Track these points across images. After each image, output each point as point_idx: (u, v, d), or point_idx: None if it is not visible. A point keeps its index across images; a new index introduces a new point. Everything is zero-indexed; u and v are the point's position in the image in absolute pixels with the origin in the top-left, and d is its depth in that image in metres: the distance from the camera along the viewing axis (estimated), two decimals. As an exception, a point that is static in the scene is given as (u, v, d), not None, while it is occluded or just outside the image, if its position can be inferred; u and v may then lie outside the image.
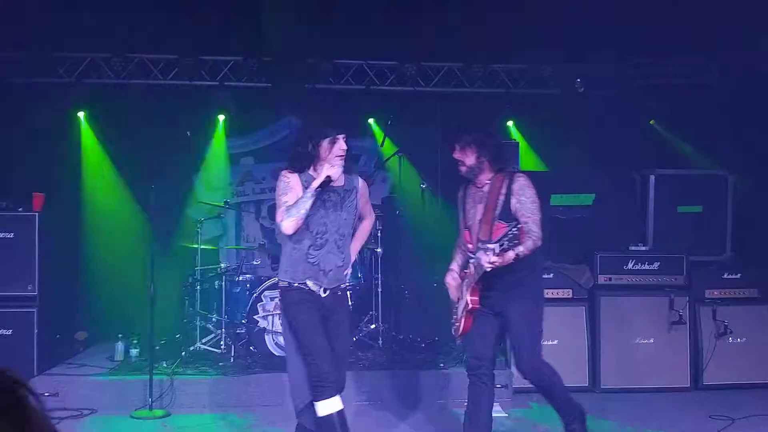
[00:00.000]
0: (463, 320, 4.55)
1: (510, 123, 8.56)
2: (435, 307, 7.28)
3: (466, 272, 4.62)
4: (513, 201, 4.42)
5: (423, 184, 7.45)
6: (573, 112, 8.00)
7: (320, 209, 4.31)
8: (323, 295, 4.36)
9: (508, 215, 4.40)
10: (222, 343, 6.97)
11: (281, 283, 4.42)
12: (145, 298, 6.12)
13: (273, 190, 8.35)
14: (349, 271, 4.56)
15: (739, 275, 7.10)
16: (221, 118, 8.49)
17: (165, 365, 6.63)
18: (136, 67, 7.80)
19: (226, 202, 7.63)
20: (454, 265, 4.81)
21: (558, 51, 7.59)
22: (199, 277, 7.25)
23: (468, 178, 4.59)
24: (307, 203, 4.21)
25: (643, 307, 6.88)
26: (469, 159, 4.50)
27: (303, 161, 4.36)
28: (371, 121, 8.74)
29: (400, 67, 8.08)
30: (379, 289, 7.22)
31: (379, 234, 7.27)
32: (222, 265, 7.55)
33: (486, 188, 4.53)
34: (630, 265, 6.93)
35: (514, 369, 5.49)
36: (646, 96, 8.16)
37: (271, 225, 8.49)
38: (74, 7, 6.53)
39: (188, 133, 7.29)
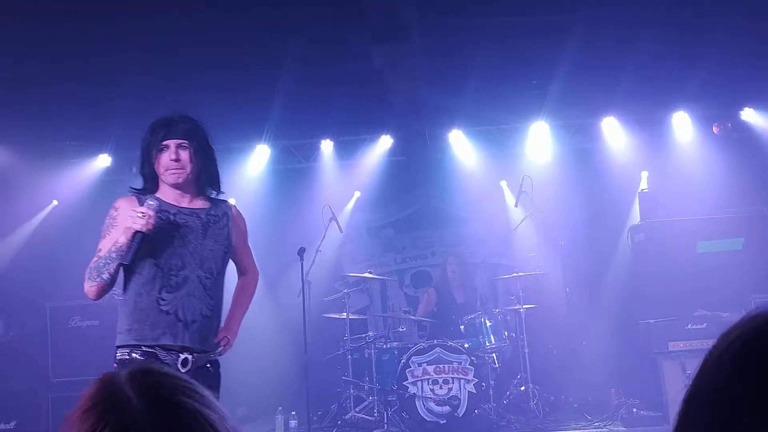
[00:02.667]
0: None
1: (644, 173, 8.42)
2: (585, 366, 7.19)
3: None
4: None
5: (561, 241, 7.40)
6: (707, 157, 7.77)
7: (173, 237, 3.20)
8: (182, 369, 3.13)
9: None
10: (375, 410, 7.06)
11: (118, 354, 3.17)
12: (298, 370, 6.26)
13: (414, 258, 8.86)
14: (226, 340, 3.39)
15: None
16: (357, 193, 8.77)
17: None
18: (280, 152, 8.25)
19: (370, 272, 7.80)
20: None
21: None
22: (349, 347, 7.34)
23: None
24: (112, 265, 3.09)
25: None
26: None
27: (145, 182, 3.34)
28: (503, 183, 8.79)
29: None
30: (526, 350, 7.10)
31: (521, 294, 7.22)
32: (370, 333, 7.65)
33: None
34: (789, 309, 6.48)
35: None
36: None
37: (414, 293, 8.52)
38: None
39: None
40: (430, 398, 6.58)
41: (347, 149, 8.49)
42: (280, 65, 6.50)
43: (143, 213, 3.08)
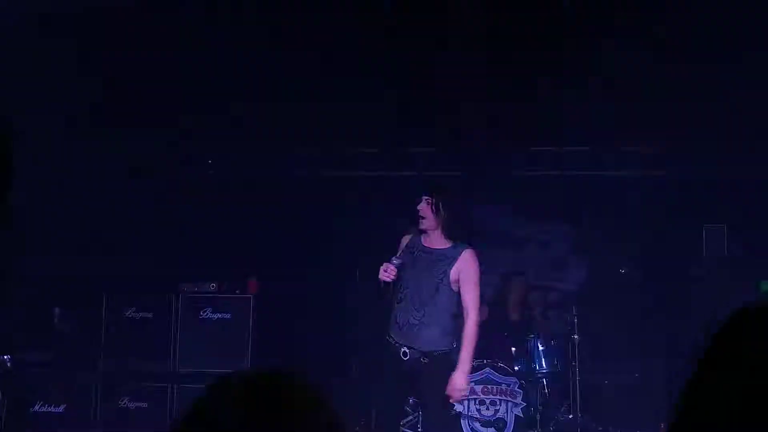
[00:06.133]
0: None
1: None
2: (636, 400, 7.07)
3: None
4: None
5: (623, 269, 7.24)
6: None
7: (408, 266, 4.51)
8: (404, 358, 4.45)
9: None
10: (419, 426, 6.95)
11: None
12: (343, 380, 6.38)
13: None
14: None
15: None
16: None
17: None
18: (339, 159, 8.24)
19: None
20: None
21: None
22: None
23: None
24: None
25: None
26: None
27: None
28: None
29: (593, 152, 8.03)
30: (577, 378, 6.96)
31: (575, 321, 7.10)
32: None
33: None
34: None
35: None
36: None
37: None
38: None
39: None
40: (476, 418, 6.49)
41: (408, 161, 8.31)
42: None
43: (385, 267, 4.53)
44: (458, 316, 4.61)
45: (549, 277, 8.38)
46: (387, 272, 4.41)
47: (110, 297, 7.33)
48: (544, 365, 6.92)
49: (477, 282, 4.54)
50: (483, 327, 7.06)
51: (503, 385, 6.59)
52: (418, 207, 4.52)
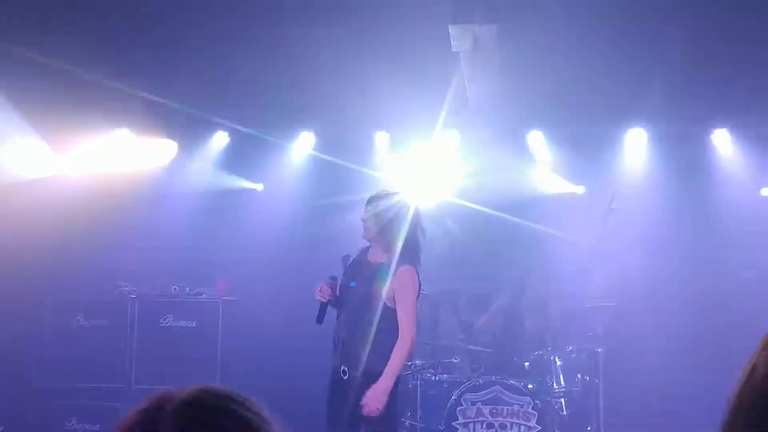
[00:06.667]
0: None
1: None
2: (670, 421, 6.76)
3: None
4: None
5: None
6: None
7: (350, 280, 4.51)
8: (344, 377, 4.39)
9: None
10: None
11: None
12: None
13: (475, 277, 7.78)
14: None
15: None
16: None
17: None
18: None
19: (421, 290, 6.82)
20: None
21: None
22: None
23: None
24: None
25: None
26: None
27: None
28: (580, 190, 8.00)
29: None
30: (601, 397, 6.55)
31: (599, 330, 6.67)
32: (417, 362, 6.82)
33: None
34: None
35: None
36: None
37: (470, 319, 7.70)
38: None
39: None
40: (484, 443, 6.17)
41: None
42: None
43: (320, 287, 4.48)
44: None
45: (572, 280, 7.60)
46: (321, 292, 4.41)
47: (54, 302, 6.74)
48: (562, 382, 6.52)
49: (412, 301, 4.46)
50: (491, 338, 7.06)
51: (515, 405, 6.24)
52: (361, 216, 4.55)
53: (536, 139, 7.76)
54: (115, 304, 6.72)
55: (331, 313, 4.50)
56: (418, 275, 4.46)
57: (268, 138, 7.50)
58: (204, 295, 6.80)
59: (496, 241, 7.71)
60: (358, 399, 4.31)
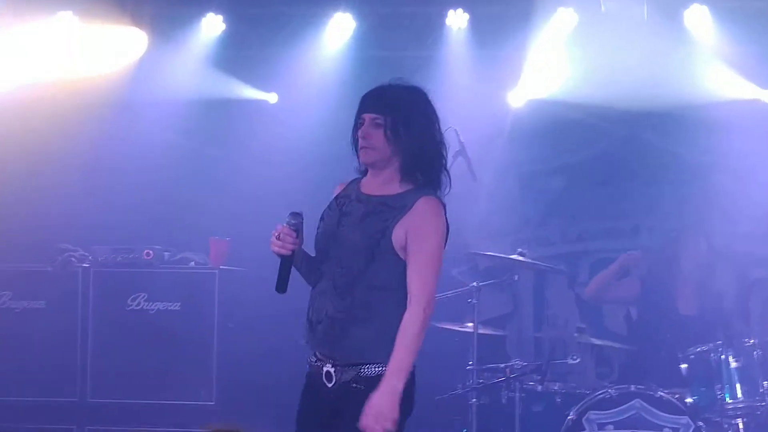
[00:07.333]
0: None
1: None
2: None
3: None
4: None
5: None
6: None
7: (328, 222, 3.23)
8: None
9: None
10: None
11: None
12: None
13: (602, 235, 7.04)
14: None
15: None
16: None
17: None
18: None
19: (521, 254, 5.80)
20: None
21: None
22: (475, 383, 5.59)
23: None
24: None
25: None
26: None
27: (359, 163, 3.36)
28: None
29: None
30: None
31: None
32: (514, 362, 5.88)
33: None
34: None
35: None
36: None
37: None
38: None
39: None
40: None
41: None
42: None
43: (278, 233, 3.16)
44: None
45: (754, 237, 6.59)
46: (281, 240, 3.07)
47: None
48: (738, 394, 5.53)
49: (434, 251, 3.17)
50: (626, 326, 6.24)
51: (666, 429, 5.42)
52: (360, 130, 3.24)
53: (699, 17, 6.26)
54: (58, 277, 5.47)
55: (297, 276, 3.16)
56: (445, 213, 3.36)
57: (284, 22, 6.36)
58: (192, 263, 5.61)
59: (630, 175, 6.53)
60: (353, 416, 3.13)
